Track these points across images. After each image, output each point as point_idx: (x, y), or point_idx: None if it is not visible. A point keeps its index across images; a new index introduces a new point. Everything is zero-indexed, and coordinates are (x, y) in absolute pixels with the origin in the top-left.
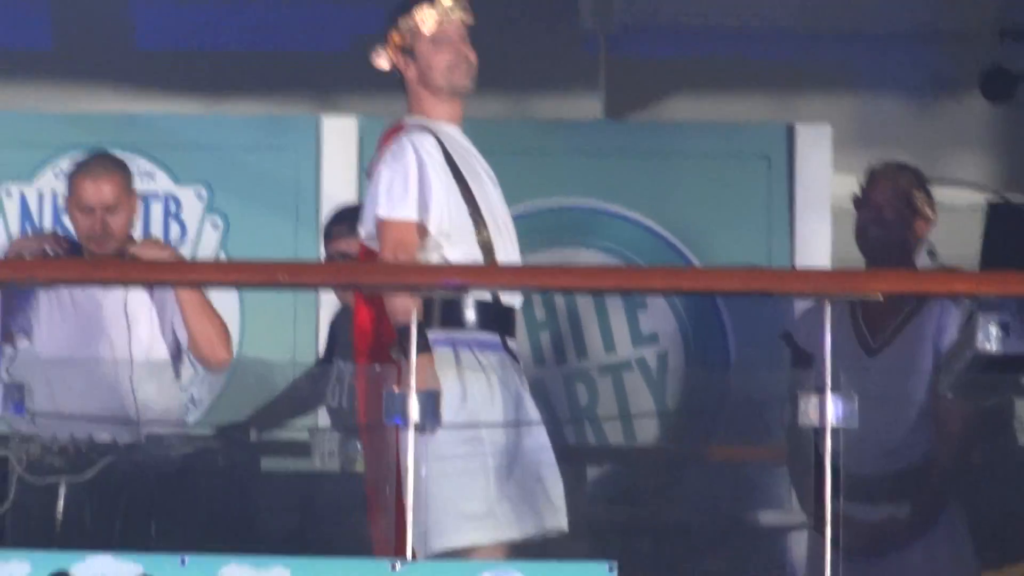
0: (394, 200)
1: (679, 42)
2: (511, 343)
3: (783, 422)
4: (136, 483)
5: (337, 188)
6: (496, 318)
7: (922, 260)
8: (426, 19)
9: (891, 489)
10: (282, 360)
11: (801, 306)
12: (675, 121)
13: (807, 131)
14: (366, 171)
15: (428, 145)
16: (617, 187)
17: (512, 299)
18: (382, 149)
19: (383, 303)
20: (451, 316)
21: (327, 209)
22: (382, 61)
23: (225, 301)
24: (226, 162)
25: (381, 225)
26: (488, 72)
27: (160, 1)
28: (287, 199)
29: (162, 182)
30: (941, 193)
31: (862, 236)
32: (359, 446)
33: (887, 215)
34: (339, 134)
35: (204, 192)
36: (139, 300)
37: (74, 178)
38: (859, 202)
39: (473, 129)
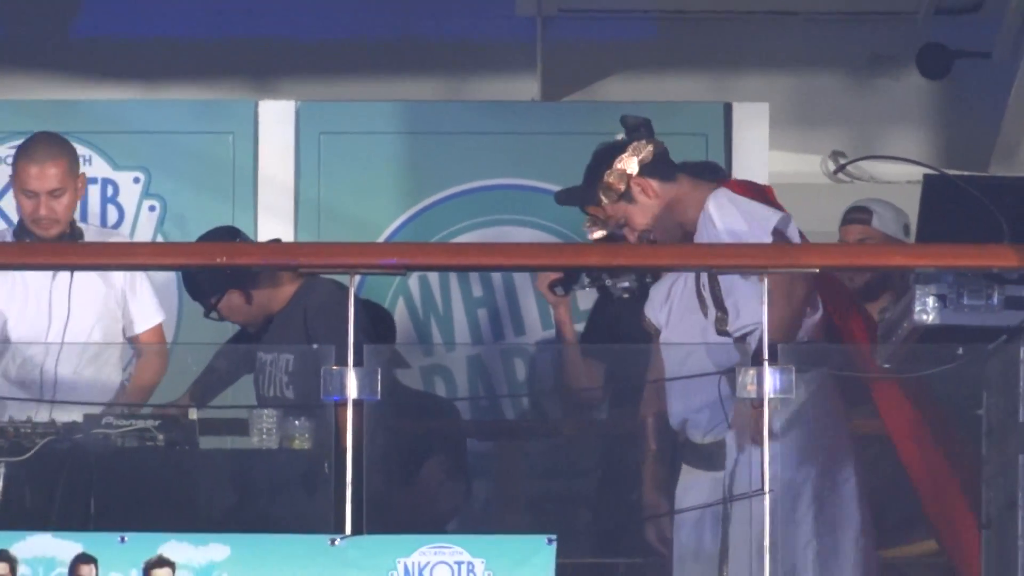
0: None
1: (615, 24)
2: None
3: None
4: (75, 463)
5: (274, 171)
6: None
7: None
8: None
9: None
10: (219, 341)
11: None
12: (612, 101)
13: (744, 109)
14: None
15: None
16: (554, 167)
17: None
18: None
19: None
20: None
21: (264, 192)
22: None
23: (163, 283)
24: (163, 146)
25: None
26: (427, 55)
27: None
28: (224, 182)
29: (99, 167)
30: (878, 168)
31: None
32: (296, 423)
33: None
34: (276, 118)
35: (142, 176)
36: (89, 286)
37: (18, 162)
38: None
39: (411, 111)
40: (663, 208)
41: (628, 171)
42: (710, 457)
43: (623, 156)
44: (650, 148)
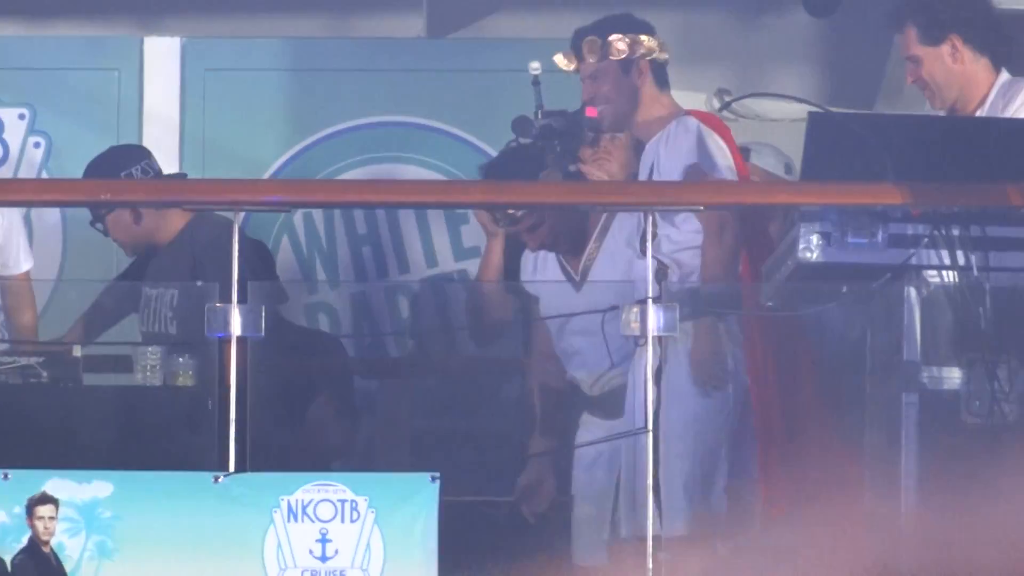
0: None
1: None
2: None
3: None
4: None
5: (160, 108)
6: None
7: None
8: None
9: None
10: (104, 278)
11: None
12: (497, 39)
13: None
14: None
15: None
16: (439, 104)
17: None
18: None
19: None
20: None
21: (150, 128)
22: None
23: (48, 220)
24: (49, 83)
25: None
26: None
27: None
28: (110, 119)
29: None
30: (764, 106)
31: None
32: (180, 360)
33: None
34: (162, 55)
35: (27, 112)
36: None
37: None
38: None
39: (297, 48)
40: (640, 103)
41: (645, 45)
42: (606, 405)
43: (647, 36)
44: (666, 54)
